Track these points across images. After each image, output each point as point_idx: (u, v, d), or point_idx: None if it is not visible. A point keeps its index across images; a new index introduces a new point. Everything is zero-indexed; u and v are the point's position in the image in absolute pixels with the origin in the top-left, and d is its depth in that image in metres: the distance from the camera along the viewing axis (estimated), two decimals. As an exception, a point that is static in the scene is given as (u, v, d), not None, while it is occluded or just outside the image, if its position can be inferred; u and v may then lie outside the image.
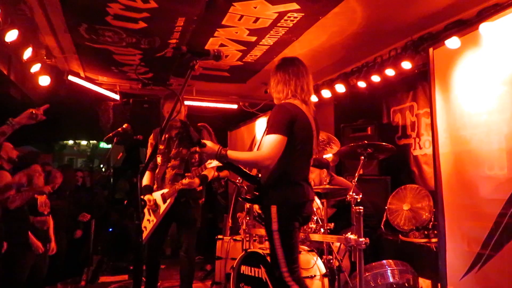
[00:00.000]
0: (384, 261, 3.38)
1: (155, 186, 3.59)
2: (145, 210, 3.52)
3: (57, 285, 4.84)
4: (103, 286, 4.80)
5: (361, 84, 4.96)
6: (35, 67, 4.60)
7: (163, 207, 3.44)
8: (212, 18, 3.72)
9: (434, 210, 4.03)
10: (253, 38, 4.16)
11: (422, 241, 3.98)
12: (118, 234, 6.36)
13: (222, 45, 4.33)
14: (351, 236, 2.90)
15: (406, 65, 4.22)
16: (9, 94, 5.18)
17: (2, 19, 3.41)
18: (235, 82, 5.90)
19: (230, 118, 7.40)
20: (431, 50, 3.65)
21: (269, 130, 2.33)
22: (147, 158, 3.39)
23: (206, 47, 4.35)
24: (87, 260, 5.37)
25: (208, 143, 2.33)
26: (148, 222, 3.50)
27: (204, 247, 5.76)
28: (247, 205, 3.80)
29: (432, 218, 4.11)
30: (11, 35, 3.69)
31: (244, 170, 2.60)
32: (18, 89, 5.20)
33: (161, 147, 3.64)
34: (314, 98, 5.85)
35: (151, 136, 3.71)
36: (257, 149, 2.63)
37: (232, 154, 2.33)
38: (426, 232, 4.05)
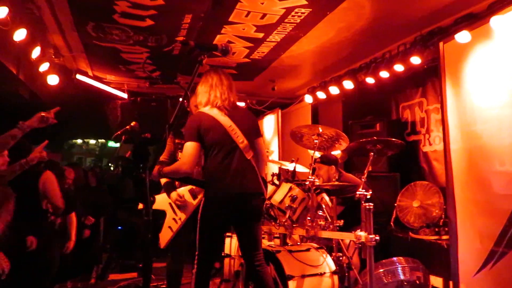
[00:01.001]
0: (395, 258, 3.35)
1: (177, 183, 3.46)
2: (169, 209, 3.40)
3: (67, 283, 4.86)
4: (112, 284, 4.81)
5: (370, 80, 4.92)
6: (44, 66, 4.62)
7: (193, 203, 3.33)
8: (219, 15, 3.70)
9: (444, 207, 3.99)
10: (261, 35, 4.14)
11: (433, 238, 3.94)
12: (127, 232, 6.38)
13: (229, 42, 4.31)
14: (361, 233, 2.88)
15: (415, 60, 4.17)
16: (18, 93, 5.23)
17: (10, 18, 3.41)
18: (242, 80, 5.88)
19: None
20: (441, 44, 3.60)
21: (184, 139, 2.78)
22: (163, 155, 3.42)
23: (213, 44, 4.33)
24: (96, 258, 5.41)
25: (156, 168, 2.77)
26: (175, 222, 3.35)
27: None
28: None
29: (443, 215, 4.07)
30: (20, 34, 3.70)
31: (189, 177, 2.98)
32: (27, 88, 5.24)
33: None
34: (322, 95, 5.82)
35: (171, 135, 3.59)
36: None
37: (165, 169, 2.80)
38: (436, 229, 4.02)
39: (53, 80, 4.93)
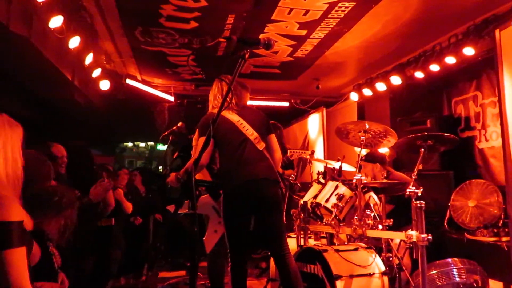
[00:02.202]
0: (449, 260, 3.17)
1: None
2: (213, 213, 3.35)
3: (120, 279, 5.07)
4: (162, 281, 4.95)
5: (419, 74, 4.73)
6: (96, 72, 4.85)
7: None
8: (261, 14, 3.71)
9: (504, 206, 3.74)
10: (304, 32, 4.10)
11: (492, 240, 3.70)
12: (175, 231, 6.55)
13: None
14: (411, 232, 2.76)
15: (469, 51, 3.95)
16: (74, 98, 5.52)
17: (65, 26, 3.61)
18: (286, 79, 5.86)
19: (281, 116, 7.35)
20: (497, 32, 3.38)
21: (199, 135, 2.94)
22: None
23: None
24: (146, 256, 5.60)
25: (172, 175, 2.91)
26: (220, 224, 3.24)
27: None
28: (301, 201, 3.74)
29: (502, 215, 3.81)
30: (74, 42, 3.91)
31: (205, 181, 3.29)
32: (82, 93, 5.52)
33: None
34: (368, 92, 5.67)
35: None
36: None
37: (182, 171, 2.90)
38: (495, 230, 3.77)
39: (104, 85, 5.17)
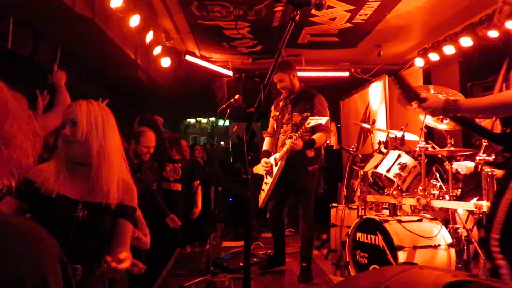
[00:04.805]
0: (525, 232, 2.94)
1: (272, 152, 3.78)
2: (264, 174, 3.76)
3: (186, 247, 5.34)
4: (225, 250, 5.14)
5: (493, 34, 4.31)
6: (157, 50, 5.00)
7: (275, 169, 3.60)
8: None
9: None
10: (362, -5, 3.90)
11: None
12: (237, 203, 6.74)
13: (329, 6, 4.14)
14: (482, 202, 2.59)
15: (553, 3, 3.51)
16: (138, 76, 5.75)
17: (125, 5, 3.75)
18: (345, 47, 5.65)
19: (341, 87, 7.16)
20: None
21: None
22: (270, 129, 3.92)
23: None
24: (211, 226, 5.83)
25: (431, 96, 2.02)
26: (265, 185, 3.71)
27: (318, 216, 5.76)
28: (361, 172, 3.64)
29: None
30: (134, 21, 4.04)
31: (484, 127, 2.14)
32: (145, 72, 5.73)
33: (276, 113, 3.79)
34: (434, 57, 5.31)
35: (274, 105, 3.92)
36: None
37: (467, 102, 1.90)
38: None
39: (165, 62, 5.33)
